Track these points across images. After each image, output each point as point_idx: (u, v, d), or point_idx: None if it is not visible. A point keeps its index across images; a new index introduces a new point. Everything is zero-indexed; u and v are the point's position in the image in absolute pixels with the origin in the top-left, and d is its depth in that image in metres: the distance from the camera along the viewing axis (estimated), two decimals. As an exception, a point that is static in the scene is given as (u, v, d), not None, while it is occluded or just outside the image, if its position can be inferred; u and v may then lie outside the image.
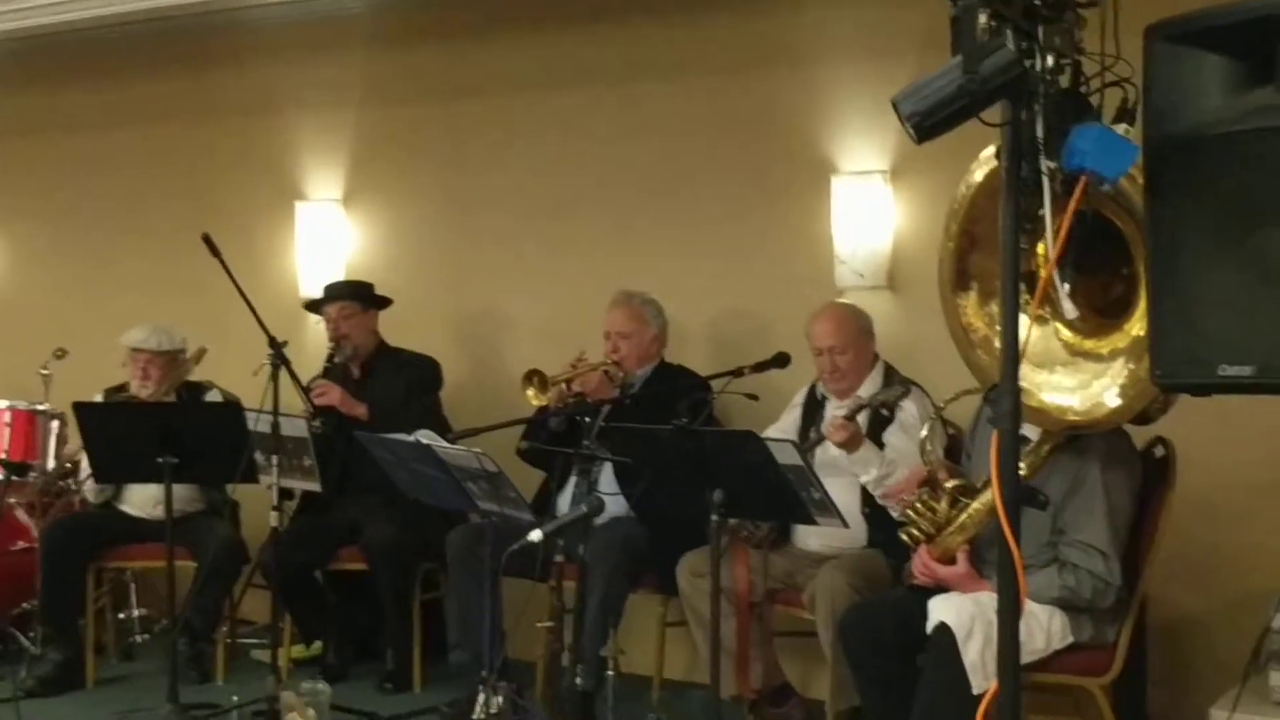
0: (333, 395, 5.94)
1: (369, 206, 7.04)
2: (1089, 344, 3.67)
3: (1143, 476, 4.34)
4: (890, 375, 5.13)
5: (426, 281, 6.73)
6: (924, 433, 4.42)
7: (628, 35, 6.28)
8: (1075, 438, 4.09)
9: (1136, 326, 3.54)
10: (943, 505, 4.30)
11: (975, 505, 4.22)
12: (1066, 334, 3.68)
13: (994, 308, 3.66)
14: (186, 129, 7.46)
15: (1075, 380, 3.69)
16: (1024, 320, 2.89)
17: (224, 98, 7.34)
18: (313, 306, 6.38)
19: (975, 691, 3.96)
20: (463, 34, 6.69)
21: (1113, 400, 3.63)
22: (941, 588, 4.29)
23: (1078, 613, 4.19)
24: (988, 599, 4.11)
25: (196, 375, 6.32)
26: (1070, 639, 4.19)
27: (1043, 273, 2.99)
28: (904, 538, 4.37)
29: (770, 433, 4.92)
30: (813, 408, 5.27)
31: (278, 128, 7.22)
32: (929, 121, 2.75)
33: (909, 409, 4.92)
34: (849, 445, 4.82)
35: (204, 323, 6.57)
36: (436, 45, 6.79)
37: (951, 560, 4.26)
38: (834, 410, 5.07)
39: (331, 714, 4.95)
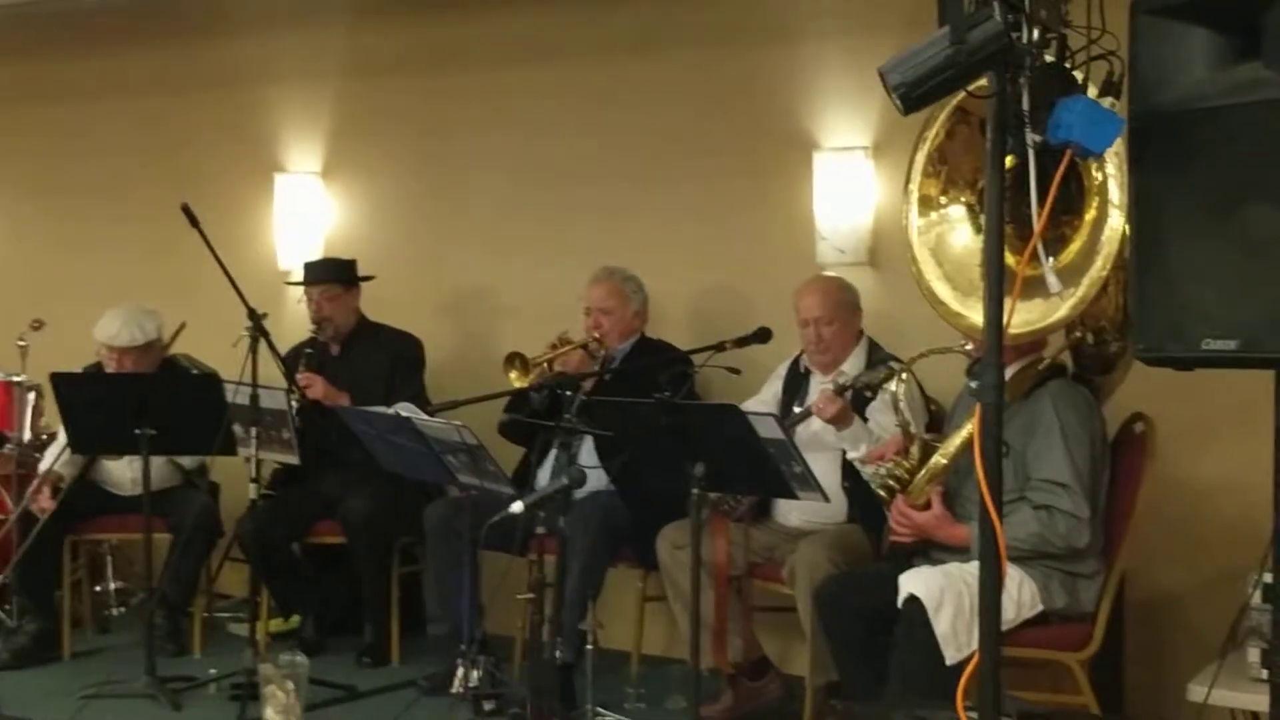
0: (317, 389, 5.91)
1: (348, 179, 7.01)
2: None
3: (1103, 424, 4.36)
4: (874, 351, 5.13)
5: (406, 255, 6.71)
6: (892, 386, 4.44)
7: (610, 8, 6.26)
8: (1031, 389, 4.18)
9: (1066, 257, 3.58)
10: (914, 451, 4.34)
11: (946, 448, 4.26)
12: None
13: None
14: (166, 100, 7.42)
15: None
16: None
17: (204, 69, 7.30)
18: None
19: (948, 662, 3.99)
20: (444, 6, 6.65)
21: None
22: (917, 553, 4.33)
23: (1049, 572, 4.20)
24: (956, 569, 4.15)
25: (176, 348, 6.28)
26: (1040, 607, 4.20)
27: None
28: (880, 493, 4.39)
29: (750, 405, 4.92)
30: (795, 381, 5.27)
31: (258, 100, 7.18)
32: (916, 92, 2.74)
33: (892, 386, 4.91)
34: (837, 420, 4.81)
35: (183, 293, 6.56)
36: (417, 18, 6.75)
37: (927, 506, 4.28)
38: (821, 385, 5.07)
39: (309, 687, 4.93)
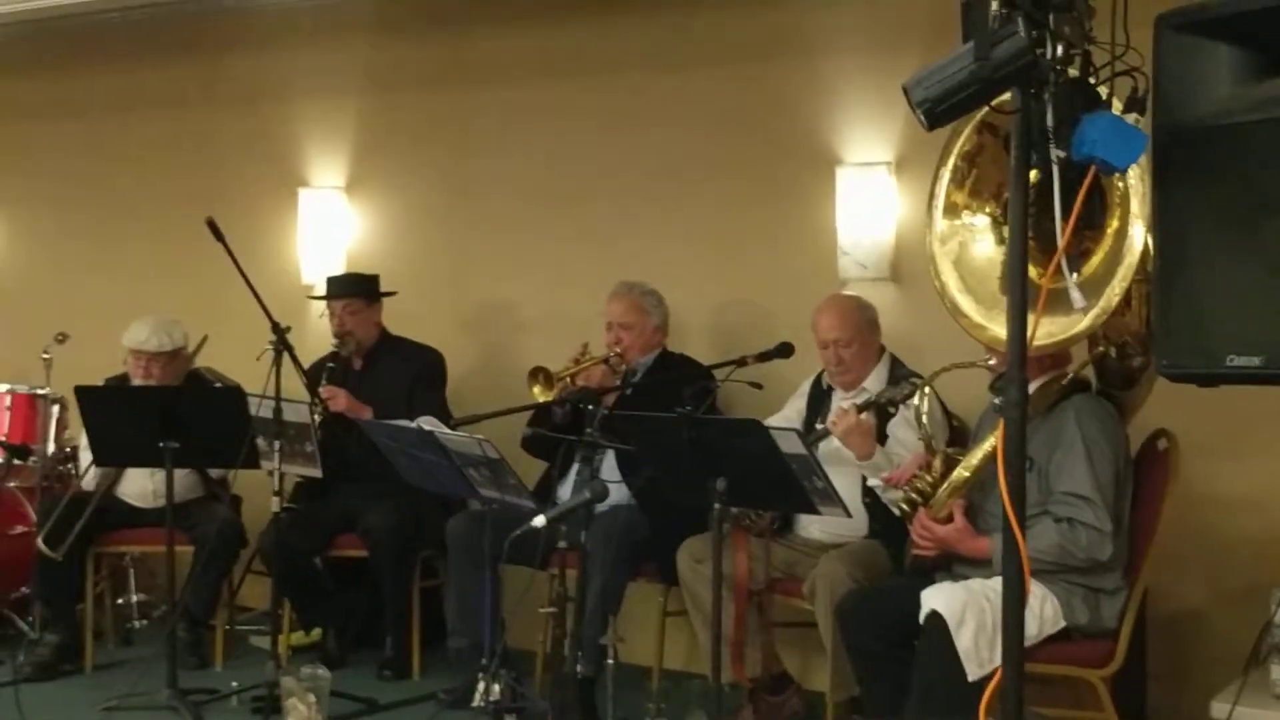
0: (340, 401, 5.92)
1: (371, 194, 7.04)
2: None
3: (1127, 439, 4.36)
4: (896, 367, 5.12)
5: (429, 269, 6.72)
6: (916, 401, 4.45)
7: (632, 24, 6.27)
8: (1054, 403, 4.18)
9: (1088, 270, 3.56)
10: (937, 463, 4.35)
11: (968, 461, 4.26)
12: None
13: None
14: (190, 115, 7.46)
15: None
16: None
17: (228, 84, 7.34)
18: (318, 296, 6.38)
19: (970, 679, 3.98)
20: (467, 22, 6.68)
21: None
22: (939, 568, 4.33)
23: (1071, 589, 4.19)
24: (979, 585, 4.15)
25: (199, 361, 6.31)
26: (1063, 623, 4.20)
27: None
28: (904, 507, 4.39)
29: (773, 421, 4.91)
30: (818, 398, 5.27)
31: (282, 114, 7.21)
32: (940, 108, 2.75)
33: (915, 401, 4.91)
34: (850, 436, 4.81)
35: (206, 308, 6.58)
36: (441, 33, 6.79)
37: (949, 519, 4.27)
38: (840, 402, 5.07)
39: (330, 700, 4.94)
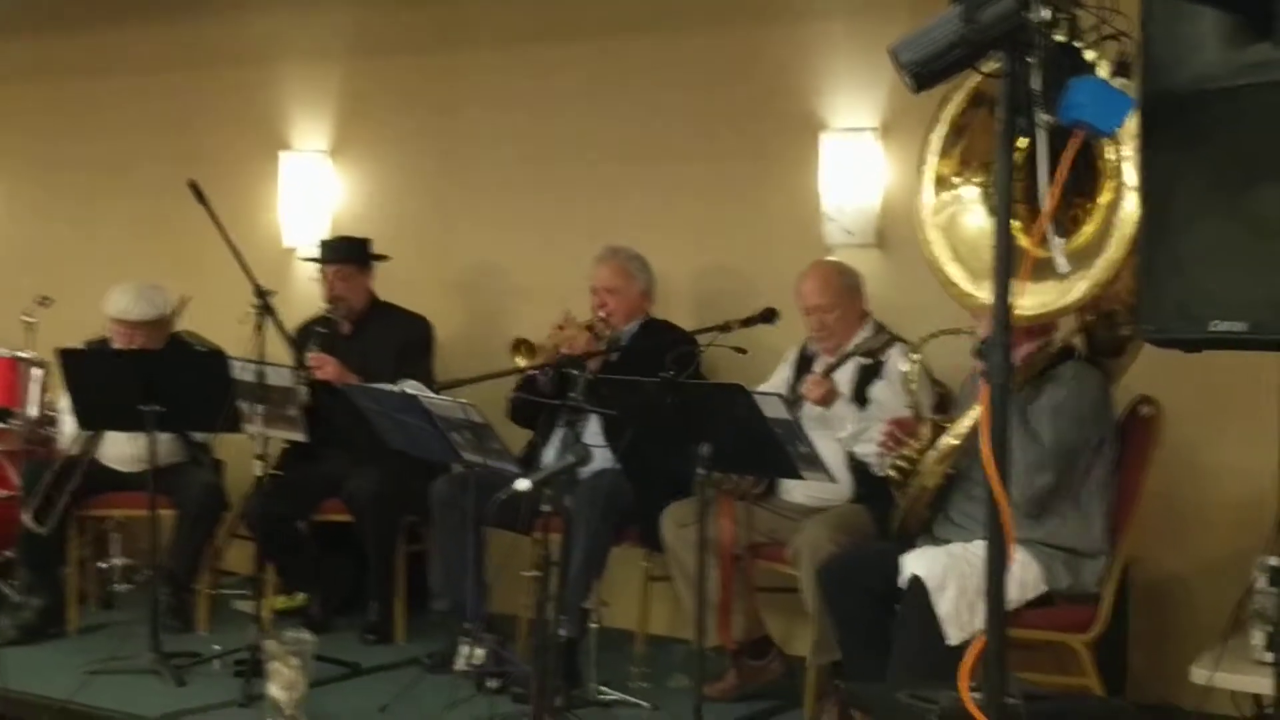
0: (329, 370, 5.90)
1: (357, 158, 7.00)
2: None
3: (1110, 410, 4.38)
4: (879, 333, 5.12)
5: (414, 234, 6.69)
6: (905, 367, 4.46)
7: (619, -14, 6.25)
8: (1042, 371, 4.25)
9: (1079, 240, 3.56)
10: (924, 431, 4.36)
11: (956, 429, 4.27)
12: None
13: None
14: (172, 77, 7.40)
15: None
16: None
17: (211, 46, 7.29)
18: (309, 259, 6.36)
19: (950, 643, 4.00)
20: (453, -15, 6.65)
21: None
22: (922, 532, 4.39)
23: (1052, 553, 4.22)
24: (960, 550, 4.17)
25: (180, 323, 6.29)
26: (1044, 588, 4.21)
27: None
28: (891, 474, 4.39)
29: (762, 389, 4.91)
30: (804, 365, 5.26)
31: (265, 77, 7.17)
32: (927, 70, 2.74)
33: (895, 362, 4.91)
34: (825, 402, 4.83)
35: (188, 270, 6.56)
36: (426, -4, 6.75)
37: (937, 489, 4.33)
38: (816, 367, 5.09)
39: (314, 664, 4.94)
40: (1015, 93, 2.84)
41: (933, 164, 3.80)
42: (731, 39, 6.00)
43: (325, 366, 5.89)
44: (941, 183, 3.80)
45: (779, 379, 5.30)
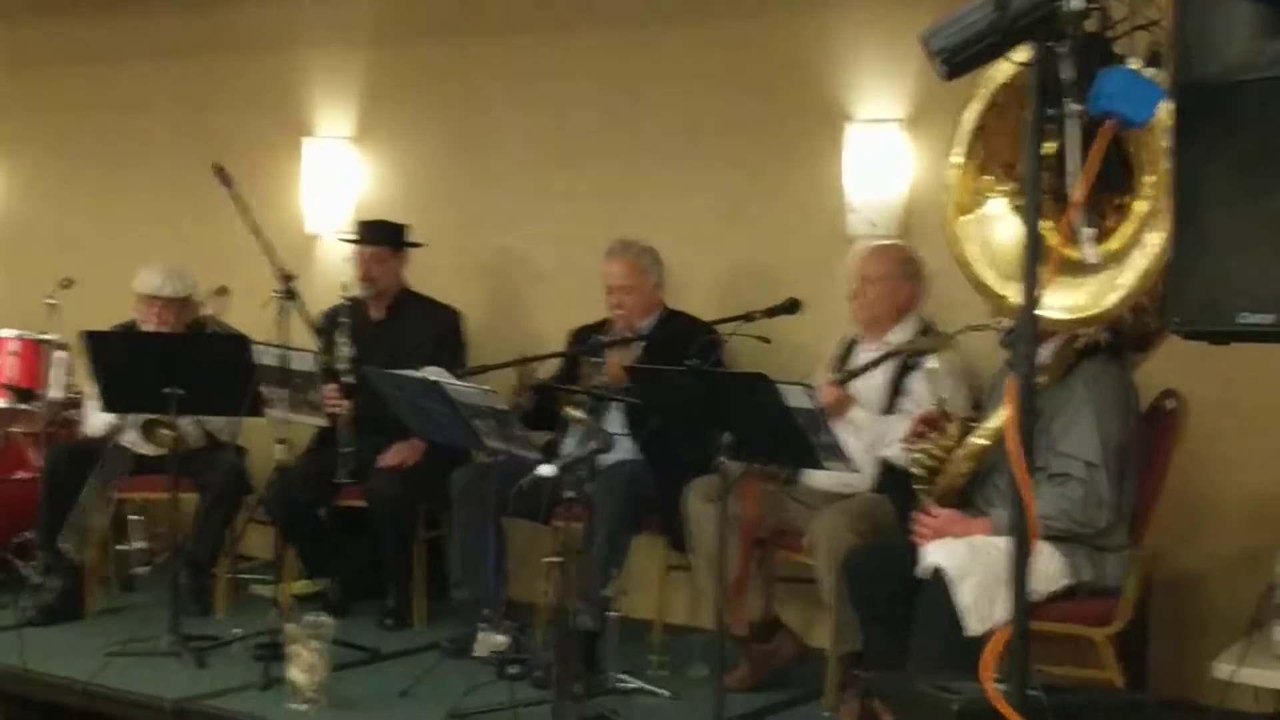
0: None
1: (380, 144, 7.00)
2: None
3: (1137, 403, 4.35)
4: (927, 331, 5.04)
5: (438, 221, 6.67)
6: (931, 364, 4.43)
7: (644, -23, 6.24)
8: (1069, 368, 4.17)
9: (1114, 243, 3.48)
10: (952, 428, 4.33)
11: (986, 428, 4.25)
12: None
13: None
14: (196, 62, 7.42)
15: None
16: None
17: (235, 32, 7.30)
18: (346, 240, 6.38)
19: (969, 634, 3.98)
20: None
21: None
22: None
23: (1074, 546, 4.20)
24: (981, 541, 4.14)
25: (216, 312, 6.33)
26: (1066, 580, 4.20)
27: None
28: (915, 471, 4.38)
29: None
30: (844, 355, 5.22)
31: (289, 63, 7.18)
32: (958, 58, 2.74)
33: (928, 357, 4.86)
34: (838, 412, 4.82)
35: (210, 256, 6.58)
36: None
37: (957, 494, 4.28)
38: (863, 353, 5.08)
39: (333, 649, 4.95)
40: (1045, 82, 2.84)
41: (961, 166, 3.73)
42: (756, 29, 5.99)
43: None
44: (972, 189, 3.73)
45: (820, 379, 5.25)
